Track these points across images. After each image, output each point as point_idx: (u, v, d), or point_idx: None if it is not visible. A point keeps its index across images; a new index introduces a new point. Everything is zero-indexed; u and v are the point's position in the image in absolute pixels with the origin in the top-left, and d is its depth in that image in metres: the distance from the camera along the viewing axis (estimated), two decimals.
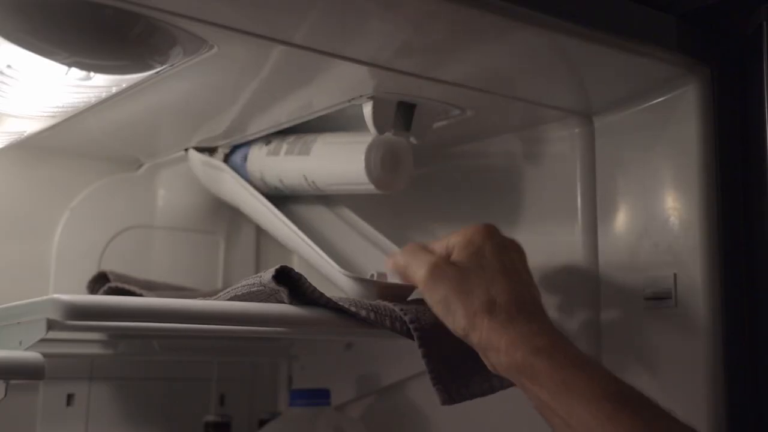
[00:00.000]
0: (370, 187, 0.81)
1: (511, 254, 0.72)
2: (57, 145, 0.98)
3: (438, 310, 0.69)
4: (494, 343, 0.66)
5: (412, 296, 0.78)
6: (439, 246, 0.73)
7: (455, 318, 0.68)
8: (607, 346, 0.83)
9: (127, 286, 0.90)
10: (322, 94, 0.80)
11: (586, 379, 0.63)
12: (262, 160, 0.91)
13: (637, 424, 0.60)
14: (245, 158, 0.93)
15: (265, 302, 0.70)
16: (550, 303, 0.76)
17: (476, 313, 0.67)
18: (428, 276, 0.69)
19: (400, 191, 0.84)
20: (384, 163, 0.81)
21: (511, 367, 0.66)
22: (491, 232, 0.72)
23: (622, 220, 0.83)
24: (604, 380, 0.64)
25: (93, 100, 0.78)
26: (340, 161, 0.83)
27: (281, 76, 0.75)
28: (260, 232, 1.14)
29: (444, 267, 0.70)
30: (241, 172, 0.94)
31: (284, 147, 0.89)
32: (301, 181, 0.87)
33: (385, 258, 0.78)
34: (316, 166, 0.85)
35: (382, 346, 1.03)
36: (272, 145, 0.91)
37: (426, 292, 0.70)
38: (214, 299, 0.71)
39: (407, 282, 0.73)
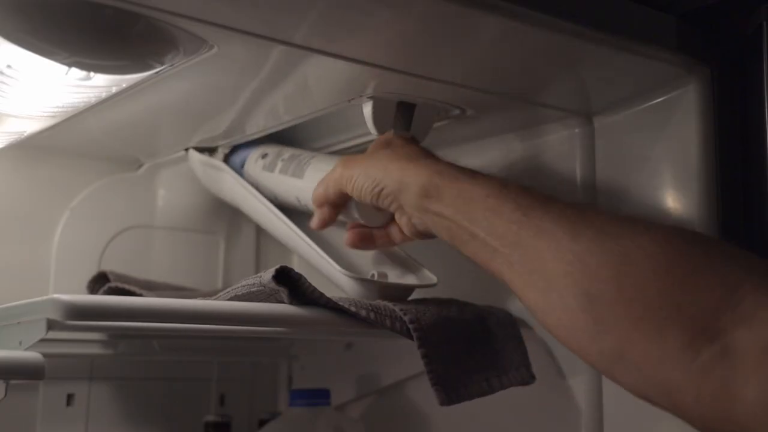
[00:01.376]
0: (356, 217, 0.80)
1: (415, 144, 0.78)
2: (57, 145, 0.98)
3: (354, 186, 0.74)
4: (403, 179, 0.70)
5: (412, 296, 0.78)
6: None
7: (368, 179, 0.73)
8: None
9: (127, 286, 0.90)
10: (322, 94, 0.80)
11: (476, 183, 0.67)
12: (257, 174, 0.91)
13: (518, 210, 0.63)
14: (243, 164, 0.93)
15: (265, 302, 0.70)
16: None
17: (386, 165, 0.72)
18: (341, 169, 0.75)
19: None
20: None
21: (420, 194, 0.69)
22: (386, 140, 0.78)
23: None
24: (489, 184, 0.66)
25: (93, 100, 0.78)
26: None
27: (281, 76, 0.75)
28: (260, 232, 1.14)
29: (352, 157, 0.77)
30: (239, 173, 0.93)
31: (279, 165, 0.88)
32: (294, 202, 0.87)
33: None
34: (309, 191, 0.84)
35: (382, 346, 1.03)
36: (268, 159, 0.90)
37: (342, 183, 0.75)
38: (214, 299, 0.71)
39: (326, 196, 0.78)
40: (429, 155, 0.74)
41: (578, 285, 0.58)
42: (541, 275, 0.60)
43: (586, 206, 0.63)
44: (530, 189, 0.65)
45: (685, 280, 0.55)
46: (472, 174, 0.68)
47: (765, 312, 0.52)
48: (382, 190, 0.72)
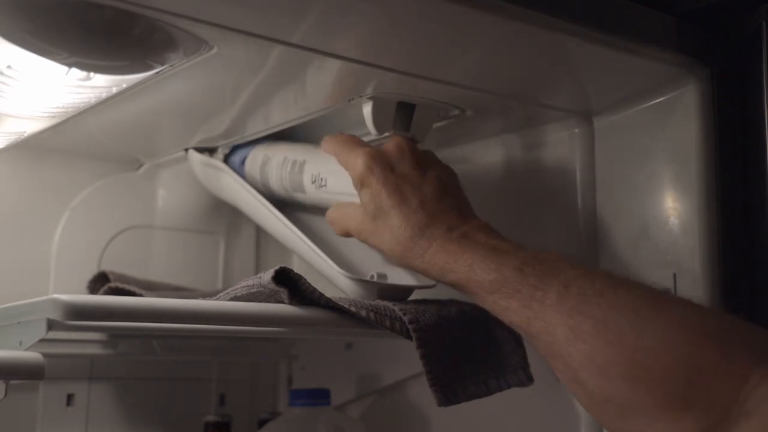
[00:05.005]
0: None
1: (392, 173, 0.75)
2: (57, 145, 0.98)
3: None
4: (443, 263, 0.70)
5: (412, 297, 0.78)
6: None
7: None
8: None
9: (127, 286, 0.90)
10: (322, 94, 0.80)
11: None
12: (257, 173, 0.91)
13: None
14: (243, 164, 0.93)
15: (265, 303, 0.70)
16: None
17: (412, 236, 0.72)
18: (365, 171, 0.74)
19: None
20: None
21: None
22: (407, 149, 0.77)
23: (622, 220, 0.83)
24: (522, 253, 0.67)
25: (93, 101, 0.78)
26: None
27: (281, 76, 0.75)
28: (260, 232, 1.14)
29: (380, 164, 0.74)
30: (239, 174, 0.93)
31: (278, 163, 0.88)
32: (295, 199, 0.88)
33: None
34: (310, 189, 0.85)
35: (382, 346, 1.03)
36: (267, 158, 0.90)
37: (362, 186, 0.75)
38: (214, 300, 0.71)
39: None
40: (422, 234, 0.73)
41: (594, 382, 0.61)
42: (563, 367, 0.63)
43: (586, 282, 0.63)
44: (527, 265, 0.66)
45: (694, 380, 0.57)
46: (469, 264, 0.68)
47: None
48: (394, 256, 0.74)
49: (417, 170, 0.75)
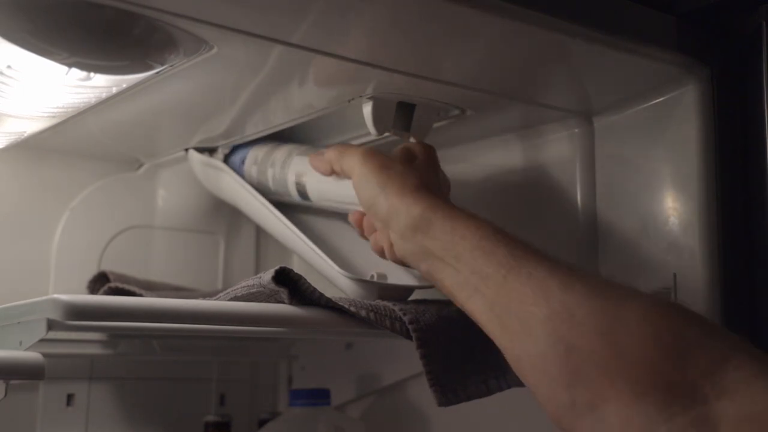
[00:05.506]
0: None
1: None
2: (57, 145, 0.98)
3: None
4: (395, 207, 0.71)
5: (412, 297, 0.78)
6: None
7: (369, 191, 0.74)
8: None
9: (127, 286, 0.90)
10: (322, 94, 0.80)
11: (470, 222, 0.67)
12: (257, 173, 0.91)
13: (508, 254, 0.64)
14: (242, 164, 0.93)
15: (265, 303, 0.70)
16: None
17: (385, 187, 0.73)
18: (356, 162, 0.76)
19: None
20: None
21: (409, 225, 0.70)
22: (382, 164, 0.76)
23: (622, 220, 0.83)
24: (483, 227, 0.67)
25: (93, 101, 0.78)
26: (334, 179, 0.83)
27: (281, 76, 0.75)
28: (260, 232, 1.14)
29: (370, 154, 0.76)
30: (239, 174, 0.93)
31: (278, 162, 0.89)
32: (295, 199, 0.88)
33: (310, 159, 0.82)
34: (311, 179, 0.85)
35: (382, 346, 1.03)
36: (267, 157, 0.90)
37: (352, 173, 0.76)
38: (214, 300, 0.71)
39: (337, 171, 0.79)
40: (432, 189, 0.74)
41: (558, 333, 0.58)
42: (518, 318, 0.61)
43: (579, 267, 0.64)
44: (524, 240, 0.66)
45: (672, 351, 0.55)
46: (468, 215, 0.69)
47: (749, 387, 0.53)
48: (373, 206, 0.74)
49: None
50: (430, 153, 0.79)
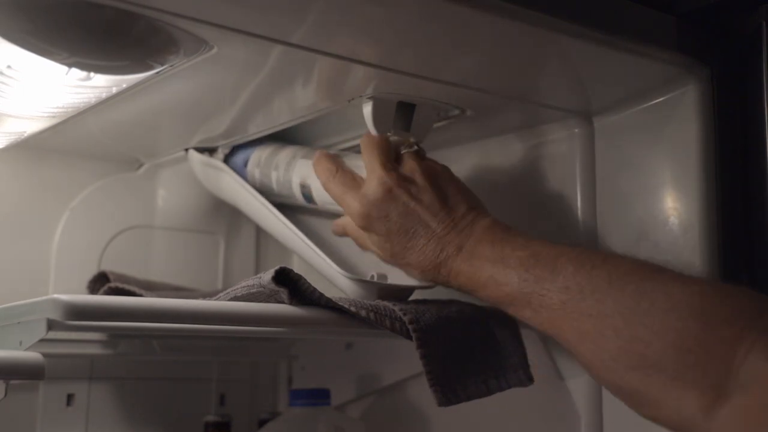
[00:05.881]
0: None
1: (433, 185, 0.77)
2: (57, 145, 0.98)
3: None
4: (411, 273, 0.77)
5: (413, 297, 0.78)
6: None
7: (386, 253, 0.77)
8: None
9: (127, 286, 0.90)
10: (322, 94, 0.80)
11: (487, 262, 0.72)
12: (259, 174, 0.91)
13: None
14: (245, 164, 0.93)
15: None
16: None
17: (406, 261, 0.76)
18: (358, 231, 0.79)
19: None
20: None
21: (427, 276, 0.76)
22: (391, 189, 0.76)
23: (622, 220, 0.83)
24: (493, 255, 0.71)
25: (93, 101, 0.78)
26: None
27: (281, 76, 0.75)
28: (260, 232, 1.14)
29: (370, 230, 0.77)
30: (241, 175, 0.93)
31: (279, 162, 0.89)
32: (297, 200, 0.88)
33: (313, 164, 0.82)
34: (317, 183, 0.85)
35: (382, 346, 1.03)
36: (268, 158, 0.90)
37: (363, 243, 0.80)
38: (214, 300, 0.71)
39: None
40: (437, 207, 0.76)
41: (602, 379, 0.66)
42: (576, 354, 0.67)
43: (581, 273, 0.67)
44: (533, 240, 0.71)
45: (687, 361, 0.60)
46: (477, 240, 0.73)
47: (764, 377, 0.56)
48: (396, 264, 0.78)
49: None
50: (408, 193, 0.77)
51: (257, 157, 0.92)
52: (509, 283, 0.69)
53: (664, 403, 0.61)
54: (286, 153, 0.90)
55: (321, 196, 0.84)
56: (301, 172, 0.86)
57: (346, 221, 0.81)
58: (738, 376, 0.57)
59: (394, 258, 0.77)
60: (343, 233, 0.83)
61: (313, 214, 0.91)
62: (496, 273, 0.70)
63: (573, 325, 0.65)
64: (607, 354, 0.63)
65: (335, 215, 0.88)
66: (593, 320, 0.64)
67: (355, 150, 0.92)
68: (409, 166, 0.77)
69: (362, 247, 0.82)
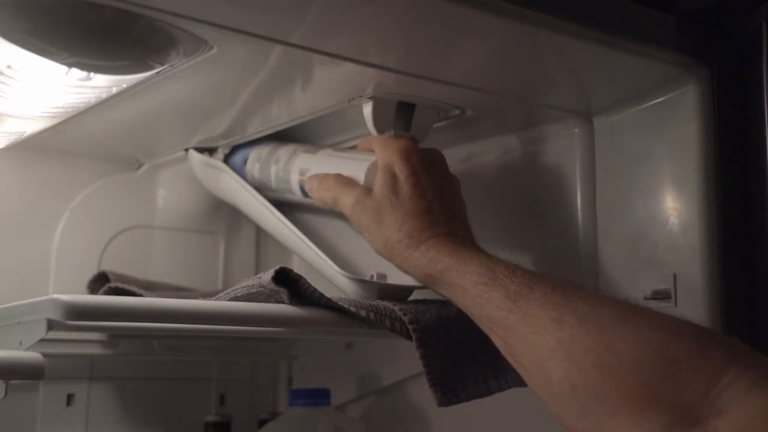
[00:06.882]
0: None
1: (426, 174, 0.77)
2: (57, 145, 0.98)
3: (364, 234, 0.78)
4: (403, 265, 0.74)
5: (413, 297, 0.78)
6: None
7: (376, 245, 0.76)
8: None
9: (127, 286, 0.90)
10: (322, 94, 0.80)
11: (470, 273, 0.69)
12: (258, 173, 0.91)
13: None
14: (244, 164, 0.93)
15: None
16: None
17: (386, 243, 0.74)
18: (352, 210, 0.78)
19: None
20: None
21: (419, 277, 0.73)
22: (408, 154, 0.77)
23: (622, 220, 0.83)
24: (478, 271, 0.68)
25: (93, 101, 0.78)
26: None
27: (281, 76, 0.75)
28: (260, 232, 1.14)
29: (364, 201, 0.77)
30: (241, 174, 0.94)
31: (279, 160, 0.89)
32: (297, 198, 0.88)
33: (308, 182, 0.83)
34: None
35: (382, 346, 1.03)
36: (267, 157, 0.90)
37: (353, 220, 0.79)
38: (214, 300, 0.71)
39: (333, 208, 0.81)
40: (433, 226, 0.74)
41: (562, 371, 0.61)
42: (530, 358, 0.64)
43: (572, 289, 0.65)
44: (518, 270, 0.67)
45: (667, 371, 0.57)
46: (462, 259, 0.70)
47: (743, 402, 0.54)
48: (379, 252, 0.76)
49: (421, 175, 0.77)
50: (413, 168, 0.77)
51: (258, 153, 0.92)
52: (492, 267, 0.68)
53: (617, 414, 0.58)
54: (286, 148, 0.90)
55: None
56: (300, 165, 0.86)
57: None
58: (715, 402, 0.54)
59: (376, 209, 0.76)
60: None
61: (313, 214, 0.91)
62: (482, 256, 0.70)
63: (551, 314, 0.63)
64: (579, 345, 0.60)
65: (333, 213, 0.89)
66: (578, 314, 0.62)
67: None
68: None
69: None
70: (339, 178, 0.81)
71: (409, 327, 0.69)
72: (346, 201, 0.78)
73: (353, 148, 0.88)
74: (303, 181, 0.86)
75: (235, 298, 0.70)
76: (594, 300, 0.64)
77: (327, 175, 0.82)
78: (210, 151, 0.97)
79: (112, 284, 0.92)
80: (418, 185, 0.75)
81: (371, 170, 0.79)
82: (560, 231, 0.87)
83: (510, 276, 0.67)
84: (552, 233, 0.88)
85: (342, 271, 0.77)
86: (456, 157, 0.97)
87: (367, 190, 0.78)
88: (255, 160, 0.92)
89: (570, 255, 0.86)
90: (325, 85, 0.78)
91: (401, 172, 0.76)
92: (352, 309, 0.68)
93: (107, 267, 1.00)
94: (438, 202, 0.75)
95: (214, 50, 0.67)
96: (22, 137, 0.89)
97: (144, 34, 0.64)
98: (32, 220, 1.00)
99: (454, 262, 0.70)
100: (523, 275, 0.66)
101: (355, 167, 0.81)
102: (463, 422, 0.90)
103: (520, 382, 0.74)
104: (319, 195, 0.81)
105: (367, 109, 0.79)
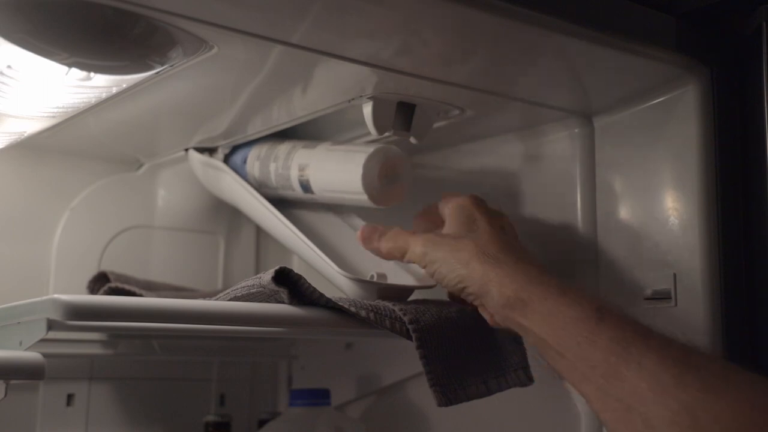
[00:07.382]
0: (364, 198, 0.81)
1: (501, 220, 0.76)
2: (57, 145, 0.98)
3: (436, 272, 0.72)
4: (486, 286, 0.68)
5: (413, 297, 0.78)
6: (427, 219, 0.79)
7: (451, 272, 0.71)
8: None
9: (127, 287, 0.90)
10: (322, 94, 0.80)
11: (567, 305, 0.64)
12: (257, 173, 0.91)
13: (616, 337, 0.61)
14: (244, 163, 0.93)
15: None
16: None
17: (468, 262, 0.69)
18: (424, 248, 0.73)
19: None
20: (381, 175, 0.81)
21: (504, 305, 0.67)
22: (479, 202, 0.77)
23: (622, 220, 0.83)
24: (581, 307, 0.64)
25: (93, 101, 0.78)
26: (336, 169, 0.83)
27: (281, 76, 0.75)
28: (260, 232, 1.14)
29: (436, 237, 0.74)
30: (241, 173, 0.94)
31: (278, 159, 0.89)
32: (297, 195, 0.88)
33: (363, 231, 0.81)
34: (314, 171, 0.85)
35: (382, 346, 1.03)
36: (267, 156, 0.90)
37: (424, 262, 0.73)
38: (214, 300, 0.71)
39: (401, 258, 0.77)
40: (515, 251, 0.71)
41: None
42: (640, 416, 0.58)
43: (687, 346, 0.61)
44: (626, 317, 0.63)
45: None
46: (562, 290, 0.65)
47: None
48: (465, 288, 0.71)
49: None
50: (491, 219, 0.75)
51: (257, 151, 0.92)
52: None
53: None
54: (286, 145, 0.90)
55: (318, 184, 0.84)
56: (300, 161, 0.86)
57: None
58: None
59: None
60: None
61: (313, 213, 0.91)
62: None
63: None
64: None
65: (333, 213, 0.89)
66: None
67: None
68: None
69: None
70: (400, 230, 0.78)
71: (409, 327, 0.69)
72: (416, 244, 0.74)
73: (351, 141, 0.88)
74: (303, 177, 0.86)
75: (235, 298, 0.70)
76: (714, 358, 0.61)
77: (387, 229, 0.79)
78: (210, 151, 0.97)
79: (112, 284, 0.92)
80: (495, 222, 0.74)
81: (369, 161, 0.79)
82: (560, 231, 0.87)
83: (619, 319, 0.62)
84: (552, 233, 0.88)
85: (342, 271, 0.77)
86: (456, 157, 0.97)
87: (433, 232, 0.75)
88: (255, 158, 0.92)
89: (570, 255, 0.86)
90: (325, 85, 0.78)
91: (476, 212, 0.74)
92: (352, 309, 0.68)
93: (107, 267, 1.00)
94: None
95: (214, 50, 0.67)
96: (22, 137, 0.89)
97: (144, 34, 0.64)
98: (32, 220, 1.00)
99: (550, 287, 0.66)
100: (632, 321, 0.62)
101: (354, 159, 0.81)
102: (463, 422, 0.90)
103: (520, 382, 0.74)
104: (384, 246, 0.78)
105: (367, 109, 0.79)
